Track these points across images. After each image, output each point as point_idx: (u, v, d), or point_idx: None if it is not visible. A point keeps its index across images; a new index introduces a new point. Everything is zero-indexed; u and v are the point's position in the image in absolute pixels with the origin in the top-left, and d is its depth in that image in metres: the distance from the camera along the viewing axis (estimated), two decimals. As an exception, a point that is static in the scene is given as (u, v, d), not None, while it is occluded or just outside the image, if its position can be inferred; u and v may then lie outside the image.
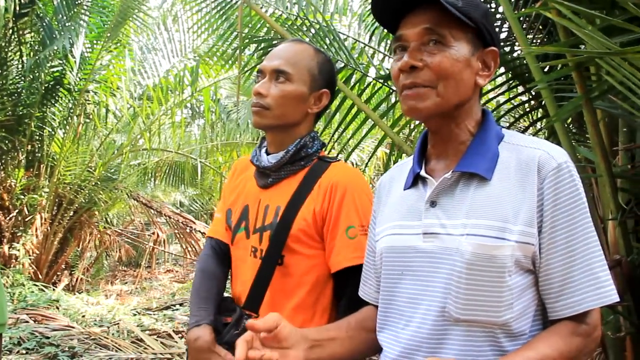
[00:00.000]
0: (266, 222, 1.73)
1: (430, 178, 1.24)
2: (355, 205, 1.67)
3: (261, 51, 4.01)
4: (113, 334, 5.99)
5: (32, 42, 7.95)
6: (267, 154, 1.79)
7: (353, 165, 9.51)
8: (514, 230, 1.12)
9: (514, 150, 1.20)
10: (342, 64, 3.57)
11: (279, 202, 1.72)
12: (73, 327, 6.07)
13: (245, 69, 4.22)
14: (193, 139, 11.64)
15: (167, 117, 9.20)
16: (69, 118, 8.31)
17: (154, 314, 7.36)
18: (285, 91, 1.70)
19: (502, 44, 3.12)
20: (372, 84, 3.75)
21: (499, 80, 3.57)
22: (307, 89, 1.73)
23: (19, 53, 7.73)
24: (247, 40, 4.20)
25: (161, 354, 5.40)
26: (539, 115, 3.31)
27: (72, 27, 7.42)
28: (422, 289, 1.20)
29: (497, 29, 1.19)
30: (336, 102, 3.51)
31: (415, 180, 1.29)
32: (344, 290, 1.65)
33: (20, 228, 8.03)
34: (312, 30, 3.86)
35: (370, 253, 1.43)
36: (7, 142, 7.85)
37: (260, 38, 4.10)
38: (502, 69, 3.12)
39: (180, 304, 7.93)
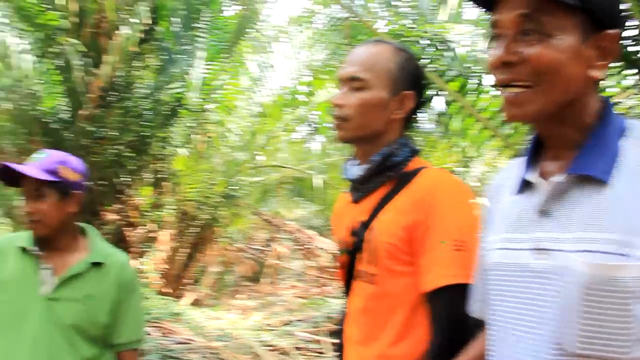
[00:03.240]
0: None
1: (541, 182, 1.06)
2: (450, 217, 1.50)
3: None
4: (233, 349, 6.07)
5: (153, 67, 8.32)
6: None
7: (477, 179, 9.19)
8: None
9: None
10: (457, 73, 3.40)
11: (364, 217, 1.60)
12: (194, 341, 6.21)
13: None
14: (313, 154, 11.74)
15: (285, 133, 9.32)
16: (190, 137, 8.60)
17: (274, 330, 7.39)
18: (362, 99, 1.57)
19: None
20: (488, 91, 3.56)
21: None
22: (386, 93, 1.59)
23: (141, 77, 8.11)
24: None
25: (279, 369, 5.40)
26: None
27: (190, 50, 7.70)
28: (528, 313, 1.02)
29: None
30: (452, 111, 3.36)
31: (526, 185, 1.10)
32: (437, 313, 1.49)
33: (148, 244, 8.38)
34: (425, 41, 3.72)
35: (480, 267, 1.25)
36: (134, 161, 8.23)
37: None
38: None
39: (301, 321, 7.93)
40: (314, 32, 8.47)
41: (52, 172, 2.03)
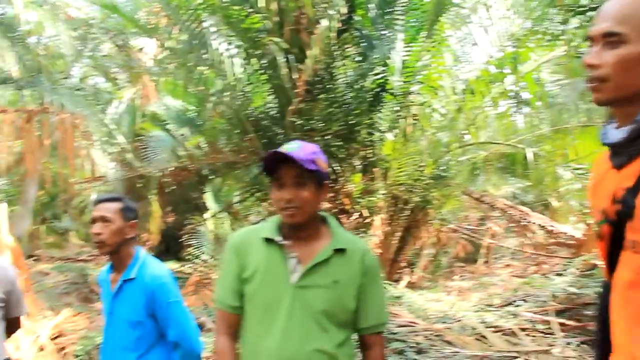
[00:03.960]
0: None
1: None
2: None
3: (587, 22, 3.59)
4: (456, 331, 5.96)
5: (354, 55, 8.43)
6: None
7: None
8: None
9: None
10: None
11: (629, 183, 1.42)
12: (417, 324, 6.19)
13: (571, 44, 3.83)
14: (521, 128, 11.21)
15: (492, 108, 8.99)
16: (396, 121, 8.59)
17: (495, 311, 7.15)
18: (621, 56, 1.39)
19: None
20: None
21: None
22: None
23: (343, 67, 8.26)
24: (571, 12, 3.79)
25: (507, 351, 5.20)
26: None
27: (389, 34, 7.68)
28: None
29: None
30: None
31: None
32: None
33: (361, 229, 8.52)
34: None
35: None
36: (343, 150, 8.41)
37: (586, 7, 3.67)
38: None
39: (524, 300, 7.59)
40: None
41: (312, 162, 2.07)
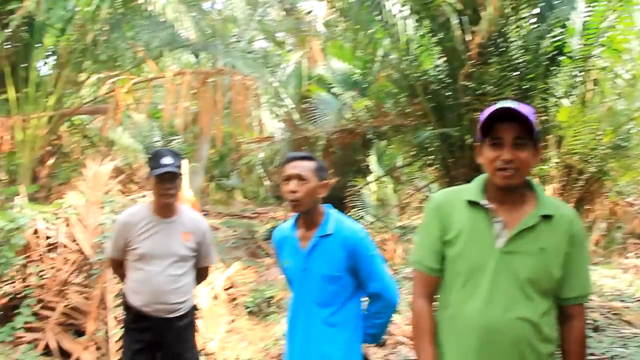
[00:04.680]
0: None
1: None
2: None
3: None
4: (635, 311, 5.63)
5: (530, 16, 8.01)
6: None
7: None
8: None
9: None
10: None
11: None
12: (592, 300, 5.91)
13: None
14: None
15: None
16: (574, 87, 8.11)
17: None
18: None
19: None
20: None
21: None
22: None
23: (517, 29, 7.89)
24: None
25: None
26: None
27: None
28: None
29: None
30: None
31: None
32: None
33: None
34: None
35: None
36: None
37: None
38: None
39: None
40: None
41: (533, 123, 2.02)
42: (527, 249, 2.03)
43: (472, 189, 2.15)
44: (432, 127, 8.21)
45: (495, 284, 2.03)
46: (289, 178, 2.77)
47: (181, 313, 3.65)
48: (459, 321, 2.09)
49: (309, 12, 14.31)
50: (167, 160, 3.41)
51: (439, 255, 2.17)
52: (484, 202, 2.09)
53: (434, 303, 2.25)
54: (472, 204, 2.11)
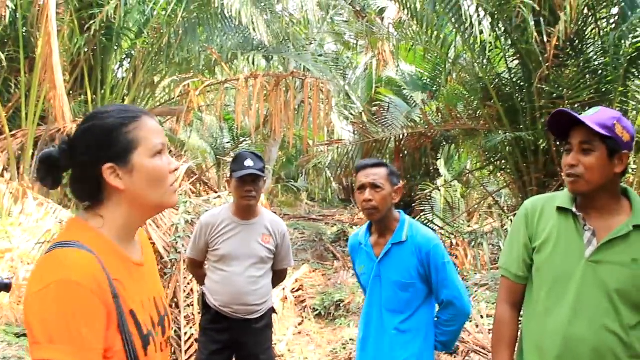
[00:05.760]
0: None
1: None
2: None
3: None
4: None
5: (609, 17, 7.78)
6: None
7: None
8: None
9: None
10: None
11: None
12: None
13: None
14: None
15: None
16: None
17: None
18: None
19: None
20: None
21: None
22: None
23: (595, 30, 7.67)
24: None
25: None
26: None
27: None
28: None
29: None
30: None
31: None
32: None
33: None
34: None
35: None
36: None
37: None
38: None
39: None
40: None
41: (607, 128, 1.94)
42: (618, 259, 1.96)
43: (562, 196, 2.10)
44: (505, 131, 8.04)
45: (582, 294, 1.97)
46: (363, 187, 2.77)
47: (260, 314, 3.68)
48: (545, 331, 2.03)
49: (381, 14, 14.26)
50: (249, 162, 3.45)
51: (526, 262, 2.14)
52: (572, 208, 2.04)
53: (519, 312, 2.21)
54: (563, 210, 2.06)
